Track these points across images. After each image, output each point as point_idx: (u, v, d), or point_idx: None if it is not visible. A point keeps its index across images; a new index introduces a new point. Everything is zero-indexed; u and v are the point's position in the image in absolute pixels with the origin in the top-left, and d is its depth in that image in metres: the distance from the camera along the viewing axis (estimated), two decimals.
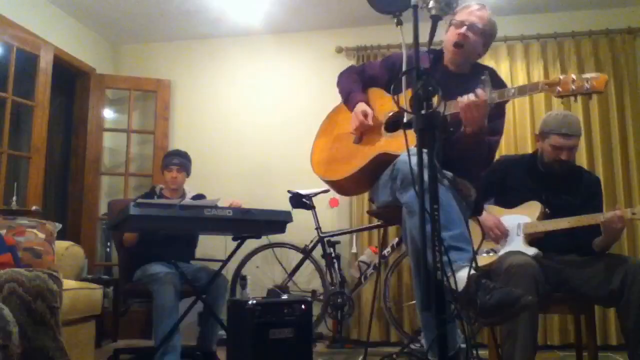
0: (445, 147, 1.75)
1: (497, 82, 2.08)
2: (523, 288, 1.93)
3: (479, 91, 1.87)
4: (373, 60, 2.47)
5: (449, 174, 1.87)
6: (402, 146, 1.94)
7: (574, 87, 1.75)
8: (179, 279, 3.08)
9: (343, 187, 2.33)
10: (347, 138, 2.31)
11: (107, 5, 4.17)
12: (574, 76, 1.76)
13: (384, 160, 2.05)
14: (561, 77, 1.78)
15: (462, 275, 1.56)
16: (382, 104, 2.27)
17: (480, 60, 2.34)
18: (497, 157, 2.93)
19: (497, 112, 2.05)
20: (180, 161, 3.57)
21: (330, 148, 2.37)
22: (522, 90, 1.88)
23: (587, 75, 1.74)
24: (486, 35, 2.21)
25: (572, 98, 1.78)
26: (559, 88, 1.78)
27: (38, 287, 1.71)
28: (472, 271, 1.57)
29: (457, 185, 1.89)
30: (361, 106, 2.24)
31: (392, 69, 2.34)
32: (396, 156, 1.93)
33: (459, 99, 1.91)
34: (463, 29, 2.14)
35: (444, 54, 2.26)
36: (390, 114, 2.22)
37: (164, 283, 3.00)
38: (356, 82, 2.37)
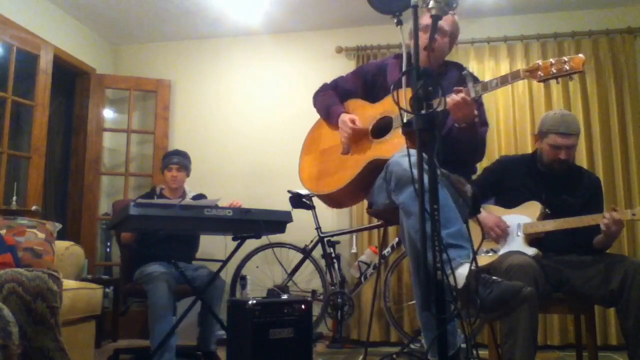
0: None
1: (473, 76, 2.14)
2: None
3: (463, 90, 1.92)
4: (344, 75, 2.51)
5: (444, 171, 1.87)
6: (392, 150, 1.97)
7: (554, 70, 1.82)
8: (174, 278, 3.09)
9: (337, 199, 2.32)
10: (334, 151, 2.32)
11: (107, 5, 4.17)
12: (552, 60, 1.83)
13: (377, 166, 2.06)
14: (540, 62, 1.85)
15: (462, 272, 1.56)
16: (364, 112, 2.29)
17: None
18: (497, 157, 2.95)
19: (476, 103, 2.08)
20: (180, 160, 3.57)
21: (319, 163, 2.37)
22: (504, 80, 1.91)
23: (565, 57, 1.82)
24: (452, 36, 2.29)
25: (554, 81, 1.85)
26: (540, 73, 1.84)
27: (38, 287, 1.71)
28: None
29: (453, 182, 1.90)
30: (345, 115, 2.28)
31: (365, 79, 2.39)
32: (387, 160, 1.94)
33: (447, 99, 1.94)
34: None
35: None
36: (376, 120, 2.23)
37: (157, 282, 3.01)
38: (332, 97, 2.42)
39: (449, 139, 2.06)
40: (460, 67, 2.27)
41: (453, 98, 1.92)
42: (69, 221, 4.42)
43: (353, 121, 2.22)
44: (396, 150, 1.93)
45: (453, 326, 2.00)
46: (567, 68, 1.79)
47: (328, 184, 2.27)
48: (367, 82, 2.38)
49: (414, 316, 3.89)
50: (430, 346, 1.85)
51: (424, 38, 2.19)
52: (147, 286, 3.05)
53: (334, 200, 2.34)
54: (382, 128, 2.20)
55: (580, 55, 1.80)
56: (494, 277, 1.53)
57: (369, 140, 2.21)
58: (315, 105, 2.51)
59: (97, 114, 4.56)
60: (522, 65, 4.14)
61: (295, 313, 2.51)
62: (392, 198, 1.89)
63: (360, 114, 2.28)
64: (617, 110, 3.98)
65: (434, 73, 2.23)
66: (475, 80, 2.09)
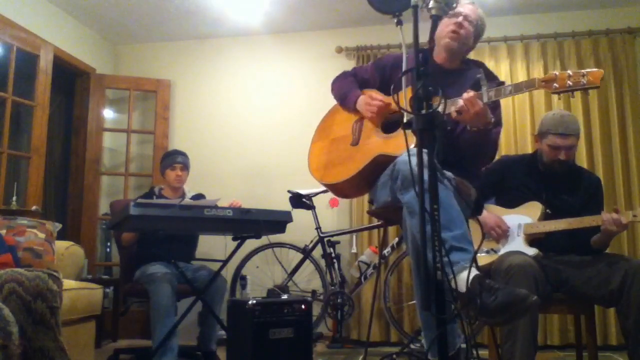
0: (446, 146, 1.75)
1: (490, 77, 2.11)
2: (523, 288, 1.93)
3: (471, 95, 1.88)
4: (364, 65, 2.48)
5: (449, 173, 1.87)
6: (401, 147, 1.95)
7: (570, 82, 1.76)
8: (176, 278, 3.09)
9: (342, 190, 2.32)
10: (344, 141, 2.31)
11: (107, 5, 4.17)
12: (570, 72, 1.77)
13: (383, 162, 2.05)
14: (557, 73, 1.79)
15: (464, 276, 1.56)
16: None
17: (479, 59, 2.35)
18: (497, 157, 2.95)
19: (492, 105, 2.06)
20: (183, 159, 3.58)
21: (328, 151, 2.36)
22: (518, 88, 1.87)
23: (583, 71, 1.75)
24: (477, 28, 2.23)
25: (570, 94, 1.79)
26: (555, 84, 1.78)
27: (38, 287, 1.71)
28: (475, 272, 1.56)
29: (457, 184, 1.89)
30: (365, 96, 2.24)
31: (383, 72, 2.36)
32: (395, 157, 1.93)
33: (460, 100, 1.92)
34: (460, 19, 2.16)
35: (432, 50, 2.26)
36: (388, 114, 2.22)
37: (160, 282, 3.01)
38: (351, 83, 2.40)
39: (460, 141, 2.04)
40: (481, 67, 2.22)
41: (463, 97, 1.88)
42: (69, 221, 4.42)
43: (377, 98, 2.18)
44: (403, 148, 1.92)
45: (453, 326, 1.99)
46: (584, 82, 1.72)
47: (334, 174, 2.27)
48: (385, 75, 2.34)
49: (414, 316, 3.89)
50: (430, 346, 1.85)
51: (449, 24, 2.16)
52: (150, 286, 3.04)
53: (339, 190, 2.34)
54: (392, 123, 2.20)
55: (600, 70, 1.74)
56: (499, 284, 1.52)
57: (379, 134, 2.21)
58: (332, 90, 2.47)
59: (97, 114, 4.56)
60: (522, 66, 4.15)
61: (295, 313, 2.51)
62: (398, 196, 1.88)
63: None
64: (617, 110, 3.98)
65: (454, 70, 2.21)
66: (492, 81, 2.04)
